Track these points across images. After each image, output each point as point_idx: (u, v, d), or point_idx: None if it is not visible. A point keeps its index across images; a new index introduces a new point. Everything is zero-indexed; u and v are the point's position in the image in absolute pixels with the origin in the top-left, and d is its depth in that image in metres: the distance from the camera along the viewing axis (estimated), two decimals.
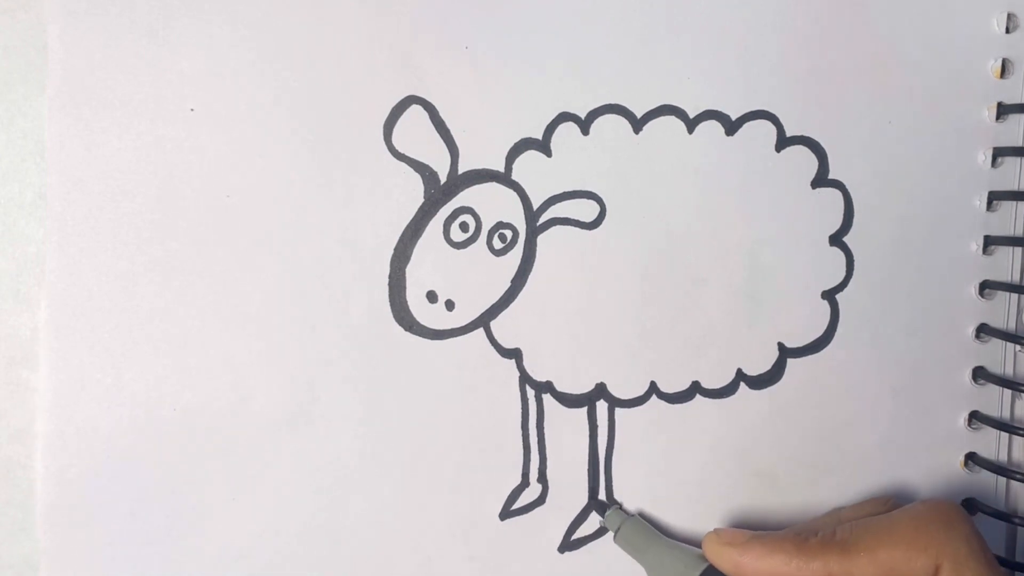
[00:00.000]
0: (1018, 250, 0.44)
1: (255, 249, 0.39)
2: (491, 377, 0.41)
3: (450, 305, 0.41)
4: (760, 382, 0.43)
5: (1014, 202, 0.44)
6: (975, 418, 0.44)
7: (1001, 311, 0.44)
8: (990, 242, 0.44)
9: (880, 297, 0.43)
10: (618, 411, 0.42)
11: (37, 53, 0.38)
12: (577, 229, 0.41)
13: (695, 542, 0.41)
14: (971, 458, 0.44)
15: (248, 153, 0.39)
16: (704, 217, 0.42)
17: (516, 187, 0.41)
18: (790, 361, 0.43)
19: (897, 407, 0.44)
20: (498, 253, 0.41)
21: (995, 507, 0.44)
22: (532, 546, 0.42)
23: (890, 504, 0.40)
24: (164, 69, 0.38)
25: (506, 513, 0.42)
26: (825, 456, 0.44)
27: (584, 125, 0.41)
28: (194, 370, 0.39)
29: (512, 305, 0.41)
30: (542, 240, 0.41)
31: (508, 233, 0.41)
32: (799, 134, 0.42)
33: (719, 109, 0.42)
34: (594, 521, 0.43)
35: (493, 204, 0.41)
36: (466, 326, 0.41)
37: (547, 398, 0.42)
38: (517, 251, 0.41)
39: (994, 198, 0.44)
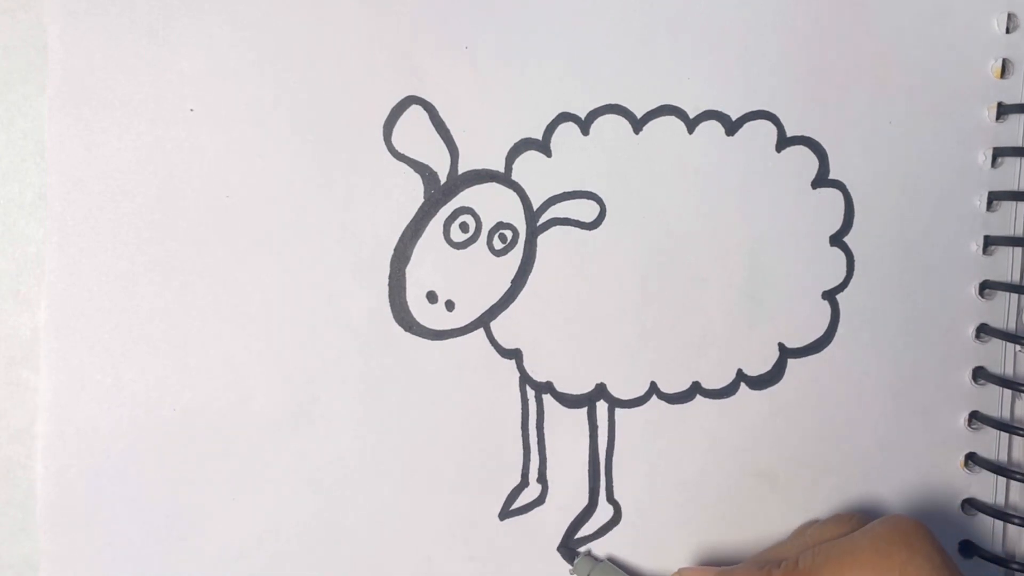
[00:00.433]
0: (1018, 250, 0.44)
1: (255, 249, 0.40)
2: (491, 377, 0.41)
3: (450, 305, 0.41)
4: (760, 382, 0.43)
5: (1014, 202, 0.44)
6: (975, 418, 0.44)
7: (1001, 311, 0.44)
8: (990, 242, 0.44)
9: (880, 297, 0.43)
10: (618, 411, 0.42)
11: (37, 53, 0.38)
12: (577, 229, 0.41)
13: None
14: (971, 458, 0.44)
15: (248, 153, 0.39)
16: (704, 217, 0.42)
17: (516, 187, 0.41)
18: (790, 361, 0.43)
19: (897, 407, 0.44)
20: (498, 253, 0.41)
21: (995, 507, 0.44)
22: (532, 546, 0.42)
23: (854, 521, 0.40)
24: (164, 69, 0.38)
25: (506, 513, 0.42)
26: (825, 456, 0.44)
27: (584, 125, 0.41)
28: (194, 370, 0.39)
29: (512, 305, 0.41)
30: (542, 240, 0.41)
31: (508, 233, 0.41)
32: (799, 134, 0.42)
33: (719, 109, 0.42)
34: (595, 521, 0.43)
35: (493, 204, 0.41)
36: (466, 326, 0.41)
37: (547, 398, 0.42)
38: (517, 251, 0.41)
39: (994, 198, 0.43)
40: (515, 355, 0.42)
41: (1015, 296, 0.44)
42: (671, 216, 0.42)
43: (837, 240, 0.43)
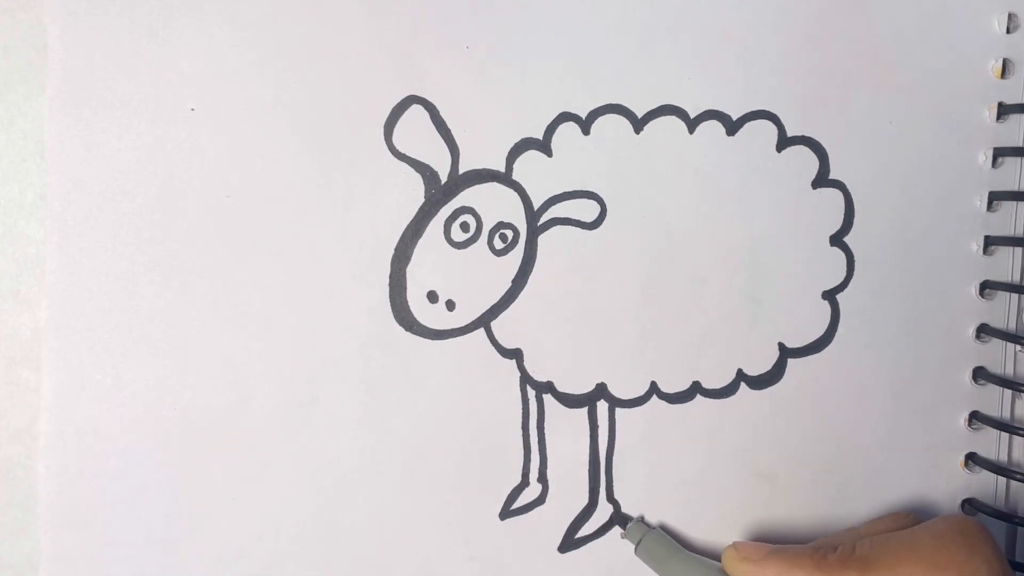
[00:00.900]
0: (1018, 250, 0.44)
1: (255, 249, 0.39)
2: (492, 377, 0.41)
3: (451, 305, 0.41)
4: (760, 382, 0.43)
5: (1014, 202, 0.44)
6: (975, 418, 0.44)
7: (1001, 311, 0.44)
8: (990, 242, 0.44)
9: (880, 297, 0.43)
10: (618, 411, 0.42)
11: (37, 53, 0.38)
12: (578, 229, 0.41)
13: (715, 555, 0.41)
14: (971, 458, 0.44)
15: (248, 153, 0.39)
16: (704, 217, 0.42)
17: (517, 187, 0.41)
18: (790, 361, 0.43)
19: (897, 407, 0.44)
20: (499, 253, 0.41)
21: (995, 507, 0.44)
22: (532, 546, 0.42)
23: (910, 520, 0.40)
24: (164, 69, 0.38)
25: (506, 513, 0.42)
26: (825, 456, 0.44)
27: (585, 125, 0.41)
28: (194, 370, 0.39)
29: (513, 305, 0.41)
30: (543, 240, 0.41)
31: (509, 233, 0.41)
32: (800, 134, 0.42)
33: (720, 109, 0.42)
34: (595, 521, 0.43)
35: (494, 204, 0.41)
36: (467, 326, 0.41)
37: (548, 398, 0.42)
38: (518, 251, 0.41)
39: (994, 198, 0.44)
40: (516, 355, 0.42)
41: (1015, 296, 0.44)
42: (672, 216, 0.42)
43: (837, 240, 0.43)
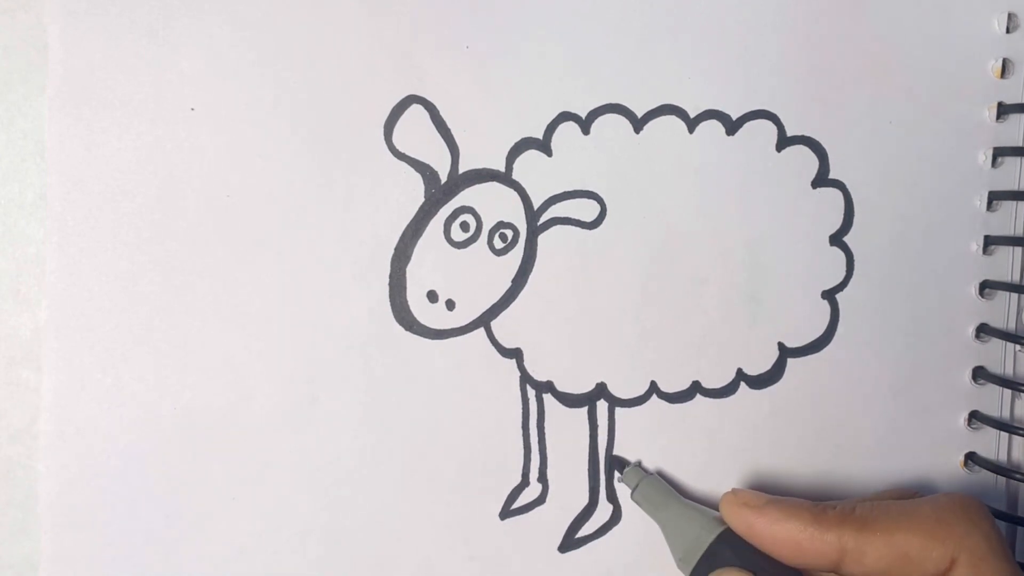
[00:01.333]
0: (1018, 250, 0.44)
1: (255, 249, 0.39)
2: (492, 377, 0.41)
3: (451, 305, 0.41)
4: (760, 382, 0.43)
5: (1014, 202, 0.44)
6: (975, 418, 0.44)
7: (1001, 311, 0.44)
8: (990, 242, 0.44)
9: (880, 297, 0.43)
10: (618, 411, 0.42)
11: (37, 53, 0.38)
12: (578, 229, 0.41)
13: (714, 504, 0.40)
14: (971, 458, 0.44)
15: (248, 153, 0.39)
16: (704, 217, 0.42)
17: (517, 187, 0.41)
18: (790, 361, 0.43)
19: (897, 407, 0.44)
20: (499, 253, 0.41)
21: (995, 507, 0.44)
22: (532, 546, 0.42)
23: (912, 495, 0.39)
24: (164, 69, 0.38)
25: (506, 513, 0.42)
26: (825, 456, 0.44)
27: (585, 125, 0.41)
28: (194, 370, 0.39)
29: (513, 305, 0.41)
30: (543, 240, 0.41)
31: (509, 233, 0.41)
32: (800, 134, 0.42)
33: (720, 109, 0.42)
34: (595, 521, 0.43)
35: (494, 204, 0.41)
36: (467, 326, 0.41)
37: (548, 398, 0.42)
38: (518, 251, 0.41)
39: (994, 198, 0.44)
40: (515, 354, 0.42)
41: (1015, 296, 0.44)
42: (671, 215, 0.42)
43: (837, 240, 0.43)
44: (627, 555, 0.43)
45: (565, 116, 0.41)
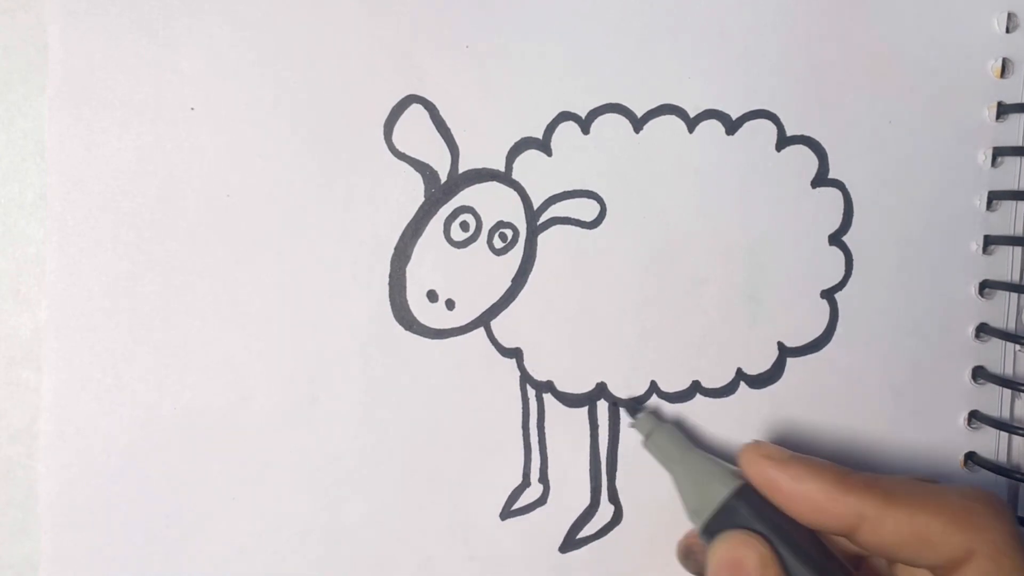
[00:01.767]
0: (1018, 250, 0.44)
1: (255, 249, 0.39)
2: (491, 377, 0.41)
3: (450, 304, 0.41)
4: (760, 381, 0.43)
5: (1014, 202, 0.44)
6: (975, 418, 0.44)
7: (1001, 311, 0.44)
8: (990, 242, 0.44)
9: (880, 296, 0.43)
10: (619, 411, 0.42)
11: (37, 53, 0.38)
12: (577, 229, 0.41)
13: (731, 458, 0.40)
14: (971, 458, 0.44)
15: (248, 153, 0.39)
16: (704, 217, 0.42)
17: (516, 186, 0.41)
18: (790, 360, 0.43)
19: (897, 407, 0.44)
20: (499, 252, 0.41)
21: None
22: (533, 546, 0.42)
23: (932, 483, 0.38)
24: (164, 69, 0.38)
25: (507, 513, 0.42)
26: (825, 455, 0.43)
27: (584, 124, 0.41)
28: (194, 370, 0.39)
29: (513, 304, 0.41)
30: (542, 239, 0.41)
31: (509, 232, 0.41)
32: (799, 133, 0.42)
33: (719, 108, 0.42)
34: (597, 522, 0.43)
35: (493, 203, 0.41)
36: (466, 325, 0.41)
37: (548, 398, 0.42)
38: (518, 250, 0.41)
39: (994, 198, 0.44)
40: (515, 354, 0.42)
41: (1015, 296, 0.44)
42: (671, 215, 0.42)
43: (836, 239, 0.43)
44: (628, 556, 0.43)
45: (565, 116, 0.41)
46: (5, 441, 0.39)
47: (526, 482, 0.42)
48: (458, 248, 0.41)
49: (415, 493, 0.41)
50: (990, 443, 0.44)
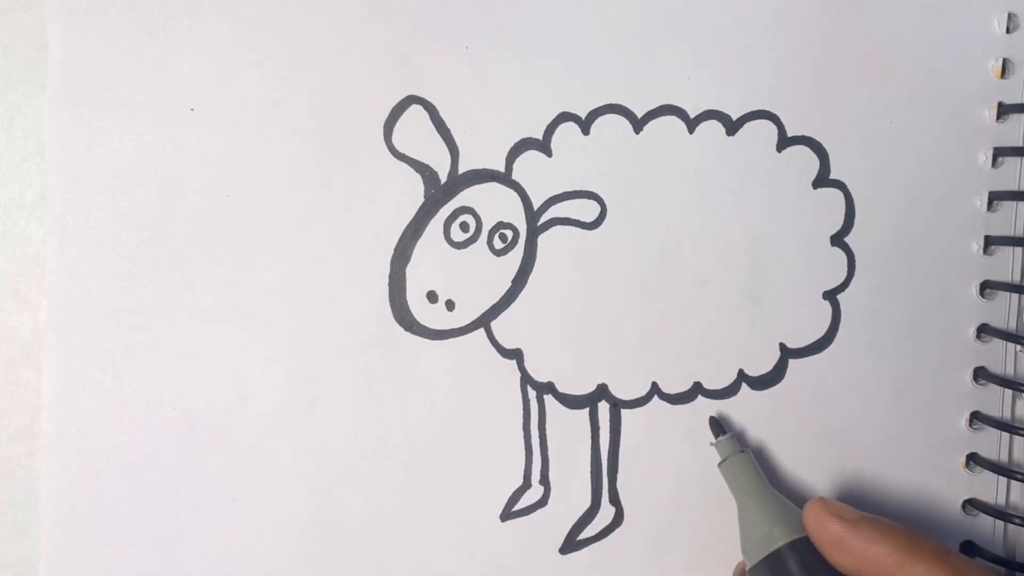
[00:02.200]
0: (1019, 250, 0.44)
1: (255, 249, 0.40)
2: (492, 378, 0.41)
3: (450, 305, 0.41)
4: (762, 383, 0.43)
5: (1014, 202, 0.43)
6: (976, 418, 0.44)
7: (1002, 311, 0.44)
8: (991, 242, 0.43)
9: (881, 297, 0.43)
10: (620, 412, 0.42)
11: (37, 53, 0.38)
12: (578, 229, 0.41)
13: (799, 502, 0.40)
14: (972, 458, 0.44)
15: (248, 153, 0.39)
16: (705, 217, 0.42)
17: (516, 187, 0.41)
18: (791, 361, 0.43)
19: (898, 407, 0.44)
20: (499, 253, 0.41)
21: (996, 508, 0.43)
22: (533, 547, 0.42)
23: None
24: (164, 69, 0.39)
25: (507, 514, 0.42)
26: (827, 456, 0.43)
27: (584, 125, 0.41)
28: (194, 370, 0.39)
29: (513, 305, 0.41)
30: (543, 240, 0.41)
31: (509, 233, 0.41)
32: (800, 134, 0.42)
33: (720, 109, 0.42)
34: (597, 523, 0.43)
35: (493, 204, 0.41)
36: (466, 326, 0.41)
37: (549, 399, 0.42)
38: (518, 251, 0.41)
39: (995, 198, 0.43)
40: (516, 355, 0.41)
41: (1016, 296, 0.44)
42: (672, 216, 0.42)
43: (838, 240, 0.43)
44: (628, 557, 0.43)
45: (565, 116, 0.41)
46: (5, 441, 0.39)
47: (527, 483, 0.42)
48: (458, 249, 0.41)
49: (415, 493, 0.41)
50: (991, 443, 0.44)
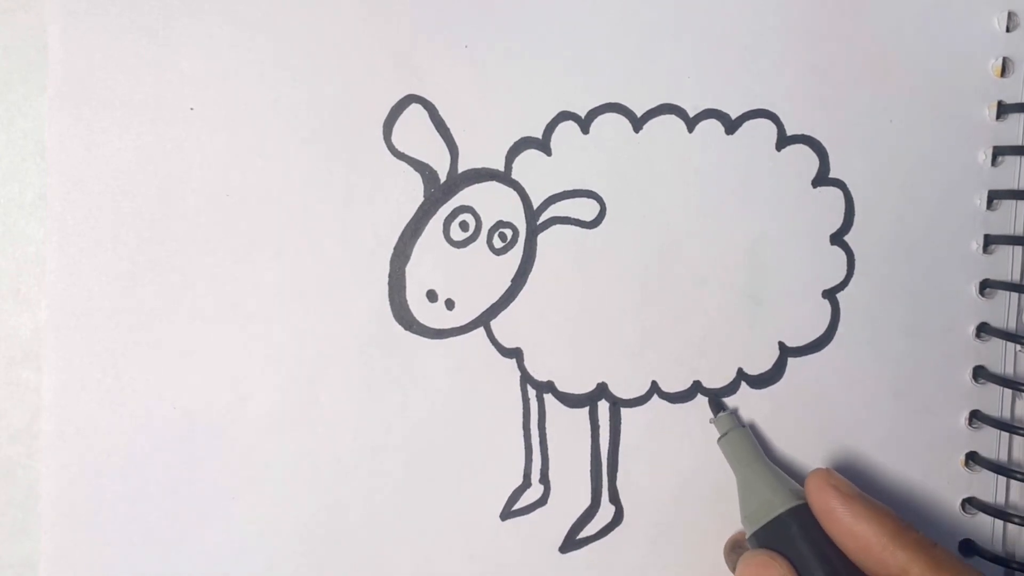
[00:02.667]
0: (1018, 249, 0.44)
1: (255, 249, 0.40)
2: (492, 377, 0.41)
3: (450, 304, 0.41)
4: (761, 381, 0.43)
5: (1014, 201, 0.43)
6: (976, 417, 0.44)
7: (1001, 310, 0.44)
8: (990, 241, 0.43)
9: (881, 296, 0.43)
10: (620, 411, 0.42)
11: (37, 53, 0.38)
12: (577, 228, 0.41)
13: (800, 477, 0.40)
14: (972, 457, 0.44)
15: (248, 153, 0.39)
16: (704, 216, 0.42)
17: (516, 186, 0.41)
18: (791, 360, 0.43)
19: (898, 406, 0.44)
20: (498, 252, 0.41)
21: (995, 507, 0.44)
22: (533, 547, 0.42)
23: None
24: (164, 69, 0.39)
25: (507, 513, 0.42)
26: (826, 455, 0.43)
27: (584, 124, 0.41)
28: (194, 370, 0.39)
29: (512, 304, 0.41)
30: (542, 239, 0.41)
31: (508, 232, 0.41)
32: (800, 133, 0.42)
33: (719, 108, 0.42)
34: (597, 522, 0.43)
35: (493, 203, 0.41)
36: (466, 325, 0.41)
37: (548, 398, 0.42)
38: (517, 250, 0.41)
39: (994, 197, 0.43)
40: (516, 354, 0.41)
41: (1015, 295, 0.44)
42: (671, 215, 0.42)
43: (837, 239, 0.43)
44: (628, 556, 0.43)
45: (564, 115, 0.41)
46: (5, 441, 0.39)
47: (526, 482, 0.42)
48: (458, 248, 0.41)
49: (415, 492, 0.41)
50: (991, 443, 0.44)
